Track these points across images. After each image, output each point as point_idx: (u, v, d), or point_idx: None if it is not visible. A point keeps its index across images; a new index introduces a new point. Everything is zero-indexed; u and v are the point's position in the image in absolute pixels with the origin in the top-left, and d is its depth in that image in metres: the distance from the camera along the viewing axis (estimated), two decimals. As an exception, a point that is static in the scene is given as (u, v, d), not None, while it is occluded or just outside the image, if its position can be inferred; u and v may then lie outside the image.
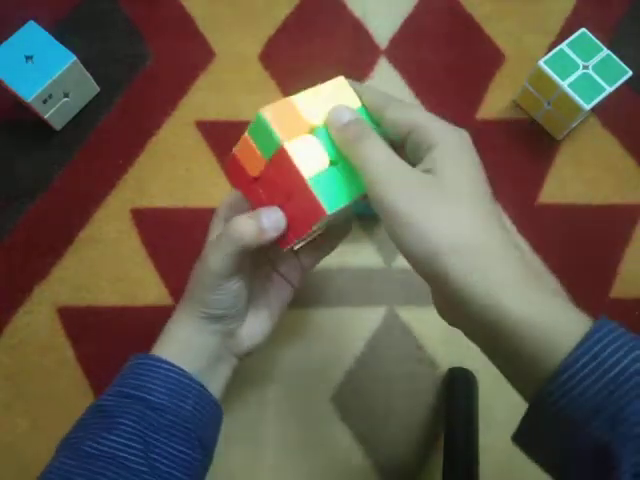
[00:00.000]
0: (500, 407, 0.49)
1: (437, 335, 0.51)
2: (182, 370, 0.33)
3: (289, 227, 0.31)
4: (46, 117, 0.54)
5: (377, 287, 0.52)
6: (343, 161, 0.30)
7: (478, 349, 0.53)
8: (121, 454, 0.30)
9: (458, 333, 0.52)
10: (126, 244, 0.53)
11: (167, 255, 0.53)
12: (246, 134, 0.30)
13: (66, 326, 0.50)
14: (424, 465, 0.47)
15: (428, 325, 0.51)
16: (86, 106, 0.57)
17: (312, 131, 0.30)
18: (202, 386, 0.34)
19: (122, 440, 0.30)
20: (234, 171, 0.32)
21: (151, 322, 0.51)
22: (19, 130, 0.57)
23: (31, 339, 0.50)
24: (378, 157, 0.27)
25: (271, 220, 0.31)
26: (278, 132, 0.28)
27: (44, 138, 0.56)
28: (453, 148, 0.28)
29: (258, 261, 0.38)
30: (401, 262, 0.53)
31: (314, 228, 0.30)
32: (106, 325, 0.51)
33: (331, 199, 0.29)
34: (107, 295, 0.52)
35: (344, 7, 0.62)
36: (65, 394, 0.49)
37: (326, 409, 0.49)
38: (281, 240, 0.32)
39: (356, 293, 0.52)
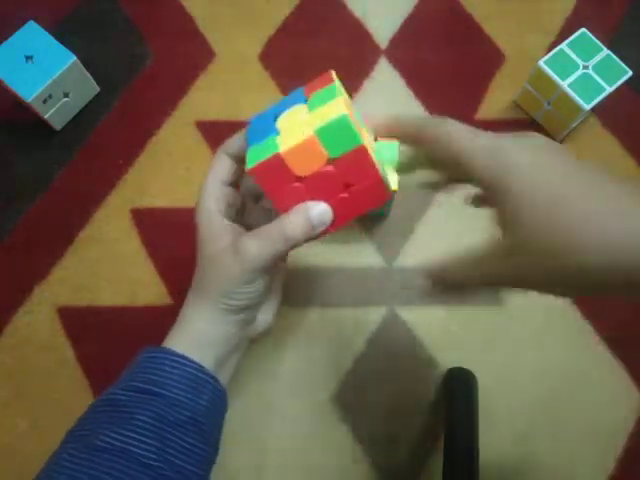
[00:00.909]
0: (500, 407, 0.49)
1: (437, 335, 0.51)
2: (199, 365, 0.33)
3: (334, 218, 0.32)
4: (46, 117, 0.54)
5: (377, 287, 0.52)
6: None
7: (478, 349, 0.53)
8: (135, 449, 0.30)
9: (458, 333, 0.52)
10: (126, 244, 0.53)
11: (167, 255, 0.53)
12: (312, 135, 0.29)
13: (66, 326, 0.50)
14: (424, 465, 0.47)
15: (428, 325, 0.51)
16: (86, 106, 0.58)
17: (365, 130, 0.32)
18: (216, 380, 0.34)
19: (136, 435, 0.30)
20: (268, 172, 0.31)
21: (151, 322, 0.51)
22: (19, 130, 0.57)
23: (31, 339, 0.50)
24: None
25: (320, 215, 0.31)
26: (357, 132, 0.29)
27: (44, 138, 0.56)
28: (531, 192, 0.26)
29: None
30: (401, 262, 0.53)
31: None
32: (106, 325, 0.51)
33: (390, 180, 0.33)
34: (107, 295, 0.52)
35: (344, 7, 0.62)
36: (65, 394, 0.49)
37: (326, 409, 0.49)
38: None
39: (356, 293, 0.52)
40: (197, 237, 0.34)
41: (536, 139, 0.28)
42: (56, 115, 0.55)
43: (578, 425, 0.49)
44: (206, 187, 0.35)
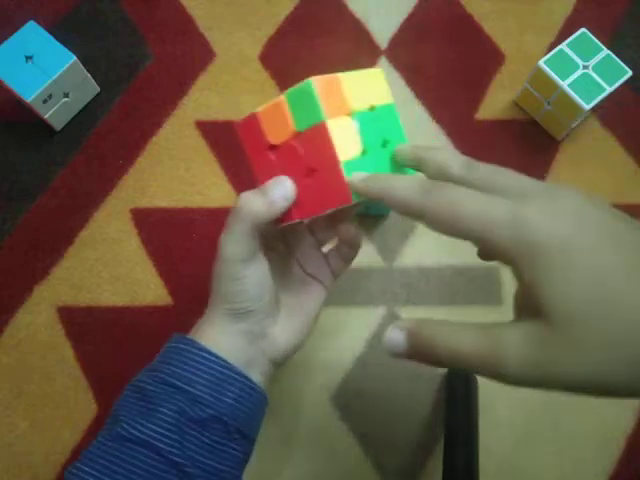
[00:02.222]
0: (500, 407, 0.49)
1: (437, 335, 0.51)
2: (225, 362, 0.32)
3: (298, 203, 0.30)
4: (46, 117, 0.54)
5: (377, 287, 0.52)
6: (375, 152, 0.29)
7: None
8: (157, 444, 0.30)
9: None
10: (126, 244, 0.53)
11: (167, 255, 0.53)
12: (282, 98, 0.28)
13: (66, 326, 0.50)
14: (424, 465, 0.47)
15: (428, 325, 0.51)
16: (86, 106, 0.57)
17: (351, 114, 0.28)
18: (244, 377, 0.33)
19: (159, 429, 0.30)
20: (248, 132, 0.30)
21: (151, 322, 0.51)
22: (19, 130, 0.57)
23: (31, 339, 0.50)
24: None
25: (280, 190, 0.30)
26: (323, 106, 0.27)
27: (44, 138, 0.56)
28: (566, 286, 0.22)
29: (276, 248, 0.37)
30: (401, 262, 0.53)
31: (327, 212, 0.29)
32: (106, 325, 0.51)
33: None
34: (107, 295, 0.52)
35: (344, 7, 0.62)
36: (65, 394, 0.49)
37: (326, 409, 0.49)
38: (284, 215, 0.30)
39: (356, 293, 0.52)
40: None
41: (569, 200, 0.23)
42: (56, 115, 0.55)
43: (578, 425, 0.49)
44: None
